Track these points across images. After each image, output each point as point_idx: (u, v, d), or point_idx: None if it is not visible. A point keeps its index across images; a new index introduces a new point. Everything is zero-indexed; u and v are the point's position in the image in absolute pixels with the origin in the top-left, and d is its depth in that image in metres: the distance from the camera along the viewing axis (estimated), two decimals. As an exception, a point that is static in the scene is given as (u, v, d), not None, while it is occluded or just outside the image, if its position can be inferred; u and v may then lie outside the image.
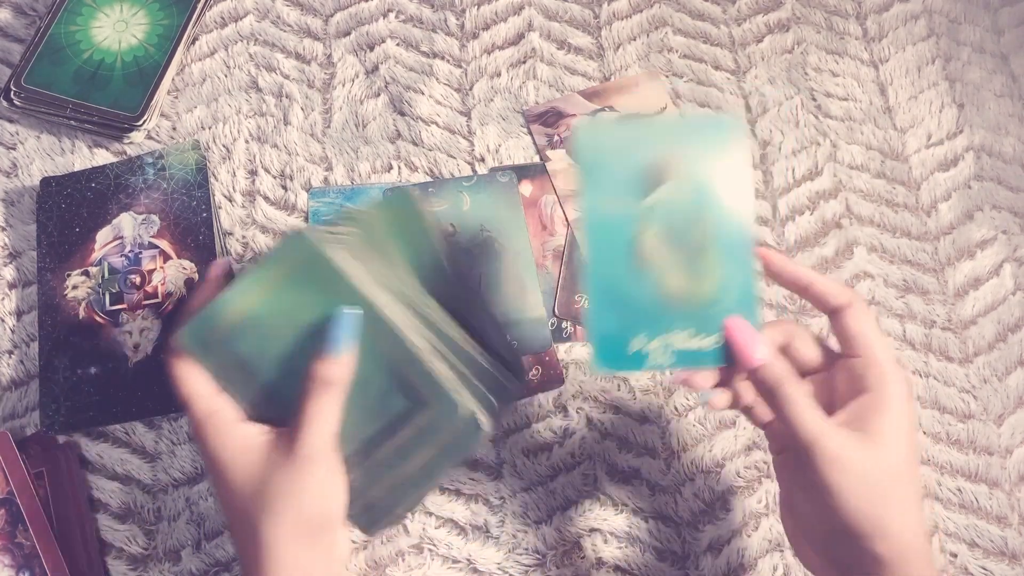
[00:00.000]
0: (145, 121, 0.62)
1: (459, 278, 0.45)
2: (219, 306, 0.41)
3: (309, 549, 0.39)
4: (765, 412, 0.43)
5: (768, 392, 0.40)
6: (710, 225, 0.44)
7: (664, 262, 0.44)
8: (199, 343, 0.42)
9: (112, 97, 0.62)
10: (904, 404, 0.40)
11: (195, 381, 0.42)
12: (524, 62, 0.67)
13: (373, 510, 0.43)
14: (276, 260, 0.40)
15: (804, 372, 0.43)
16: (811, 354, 0.43)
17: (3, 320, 0.58)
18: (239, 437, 0.40)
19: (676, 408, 0.57)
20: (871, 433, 0.39)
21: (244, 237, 0.61)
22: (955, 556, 0.53)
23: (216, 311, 0.41)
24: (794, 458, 0.40)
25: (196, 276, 0.57)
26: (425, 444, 0.41)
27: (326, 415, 0.39)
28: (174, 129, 0.64)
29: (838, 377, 0.42)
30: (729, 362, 0.43)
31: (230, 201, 0.62)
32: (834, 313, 0.42)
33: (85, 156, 0.63)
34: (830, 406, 0.42)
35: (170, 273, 0.58)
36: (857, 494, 0.38)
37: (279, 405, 0.41)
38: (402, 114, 0.65)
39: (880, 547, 0.38)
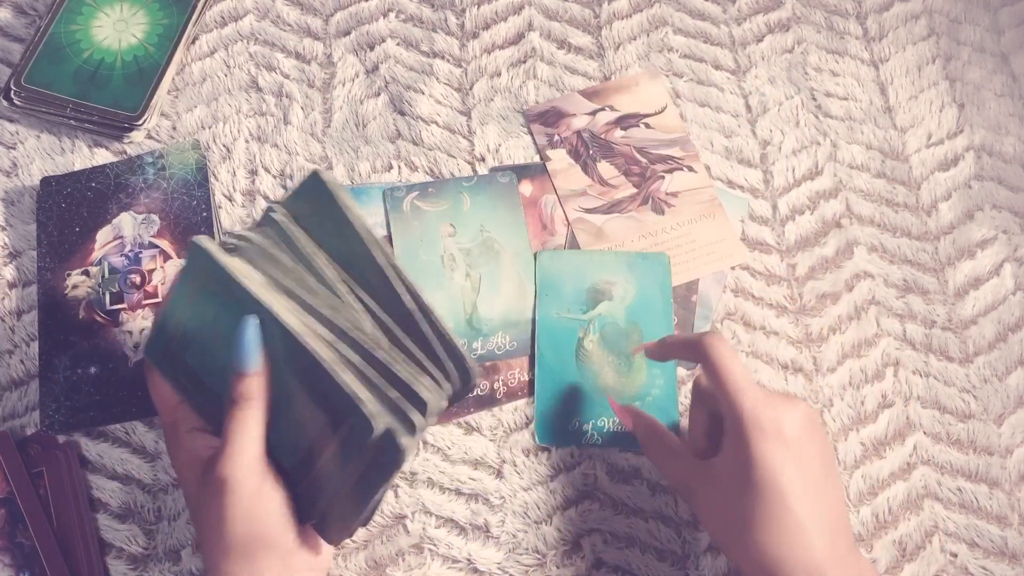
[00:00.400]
0: (145, 121, 0.62)
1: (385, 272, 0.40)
2: (162, 319, 0.41)
3: (249, 566, 0.38)
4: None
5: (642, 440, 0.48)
6: (637, 336, 0.57)
7: (601, 361, 0.56)
8: (157, 355, 0.42)
9: (112, 97, 0.62)
10: (744, 439, 0.41)
11: (160, 391, 0.42)
12: (524, 61, 0.67)
13: (327, 519, 0.41)
14: (187, 271, 0.39)
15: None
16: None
17: (3, 320, 0.58)
18: (187, 450, 0.40)
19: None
20: (718, 458, 0.43)
21: (244, 237, 0.61)
22: (955, 556, 0.53)
23: (162, 323, 0.41)
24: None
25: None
26: (351, 458, 0.38)
27: (246, 433, 0.38)
28: (174, 129, 0.64)
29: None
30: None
31: (230, 201, 0.62)
32: (703, 365, 0.45)
33: (85, 156, 0.63)
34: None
35: (170, 273, 0.58)
36: (712, 522, 0.43)
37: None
38: (402, 114, 0.65)
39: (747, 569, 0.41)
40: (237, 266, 0.38)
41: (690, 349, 0.46)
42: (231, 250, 0.39)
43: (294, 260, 0.39)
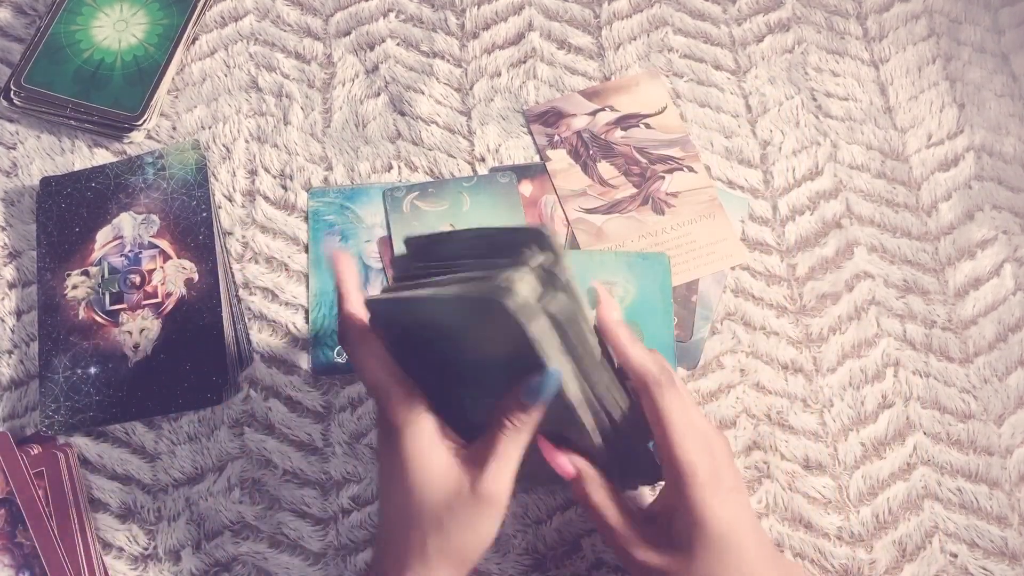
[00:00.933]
0: (145, 121, 0.62)
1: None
2: (410, 304, 0.39)
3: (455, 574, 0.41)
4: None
5: (583, 500, 0.45)
6: (638, 337, 0.52)
7: None
8: (385, 320, 0.40)
9: (112, 97, 0.62)
10: (697, 506, 0.40)
11: (387, 367, 0.41)
12: (524, 62, 0.67)
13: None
14: (464, 302, 0.37)
15: None
16: None
17: (3, 320, 0.58)
18: (436, 459, 0.40)
19: (676, 408, 0.57)
20: (671, 535, 0.42)
21: (244, 237, 0.61)
22: (955, 556, 0.53)
23: (407, 306, 0.39)
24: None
25: (196, 276, 0.57)
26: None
27: (513, 458, 0.40)
28: (174, 129, 0.64)
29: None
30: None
31: (230, 201, 0.62)
32: (641, 392, 0.43)
33: (85, 156, 0.63)
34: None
35: (170, 273, 0.58)
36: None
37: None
38: (402, 114, 0.65)
39: None
40: (541, 330, 0.37)
41: (634, 373, 0.43)
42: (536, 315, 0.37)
43: (582, 322, 0.40)
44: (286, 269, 0.60)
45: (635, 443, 0.44)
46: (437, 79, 0.66)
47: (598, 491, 0.44)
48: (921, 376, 0.58)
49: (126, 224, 0.59)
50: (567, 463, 0.44)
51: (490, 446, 0.40)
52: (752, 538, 0.41)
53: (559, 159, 0.63)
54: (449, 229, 0.40)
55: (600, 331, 0.42)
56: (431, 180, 0.62)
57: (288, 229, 0.61)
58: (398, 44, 0.67)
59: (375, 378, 0.41)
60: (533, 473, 0.42)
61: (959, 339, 0.59)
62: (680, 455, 0.41)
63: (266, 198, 0.62)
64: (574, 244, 0.60)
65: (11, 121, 0.64)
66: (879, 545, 0.53)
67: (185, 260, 0.58)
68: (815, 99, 0.66)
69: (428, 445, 0.40)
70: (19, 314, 0.58)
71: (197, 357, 0.55)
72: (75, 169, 0.62)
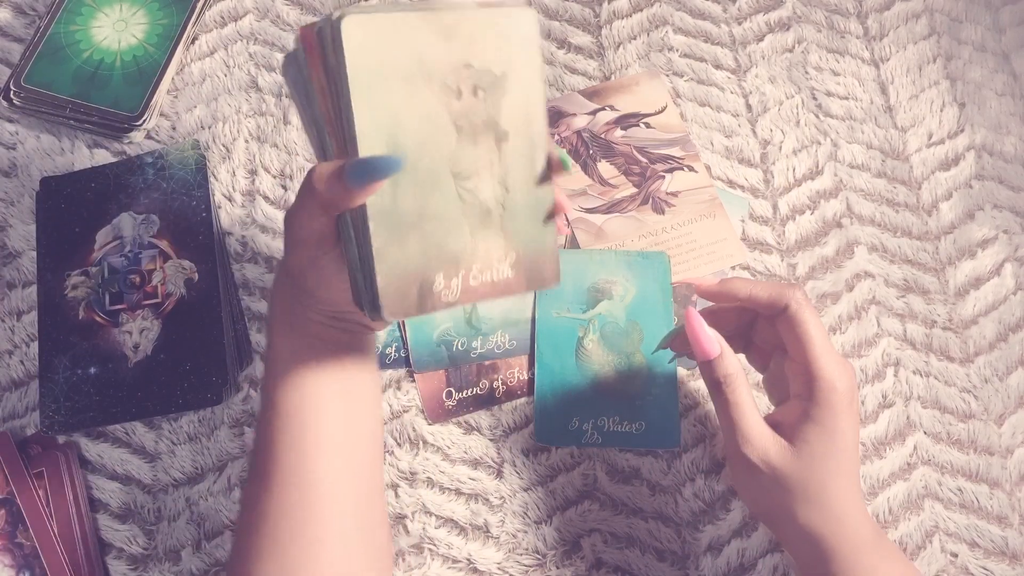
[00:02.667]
0: (145, 121, 0.62)
1: None
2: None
3: None
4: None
5: (714, 385, 0.43)
6: (637, 336, 0.56)
7: (601, 361, 0.56)
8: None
9: (112, 97, 0.62)
10: (835, 412, 0.42)
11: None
12: (524, 61, 0.66)
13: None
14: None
15: (758, 346, 0.47)
16: (767, 335, 0.47)
17: (3, 320, 0.58)
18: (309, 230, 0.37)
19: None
20: (799, 442, 0.42)
21: (244, 237, 0.61)
22: (955, 556, 0.53)
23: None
24: (727, 446, 0.44)
25: (195, 276, 0.57)
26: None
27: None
28: (174, 129, 0.64)
29: (783, 365, 0.45)
30: (650, 443, 0.54)
31: (230, 201, 0.62)
32: (775, 316, 0.44)
33: (85, 156, 0.63)
34: (771, 392, 0.47)
35: (170, 273, 0.58)
36: (781, 497, 0.42)
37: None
38: (402, 113, 0.64)
39: (805, 539, 0.42)
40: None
41: (768, 303, 0.44)
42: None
43: None
44: (286, 269, 0.60)
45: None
46: (437, 79, 0.66)
47: (738, 370, 0.43)
48: (921, 376, 0.58)
49: (126, 224, 0.59)
50: (714, 344, 0.43)
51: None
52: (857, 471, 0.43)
53: (559, 159, 0.63)
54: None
55: (715, 296, 0.44)
56: (431, 180, 0.62)
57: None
58: (398, 44, 0.67)
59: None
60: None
61: (960, 339, 0.59)
62: (823, 367, 0.42)
63: (266, 198, 0.62)
64: (574, 244, 0.60)
65: (11, 121, 0.64)
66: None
67: (185, 260, 0.58)
68: (815, 98, 0.66)
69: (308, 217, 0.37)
70: (19, 314, 0.59)
71: (197, 357, 0.55)
72: (75, 169, 0.62)
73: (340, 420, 0.41)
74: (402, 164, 0.32)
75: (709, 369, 0.43)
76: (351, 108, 0.32)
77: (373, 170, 0.31)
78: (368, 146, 0.32)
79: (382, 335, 0.57)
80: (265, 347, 0.43)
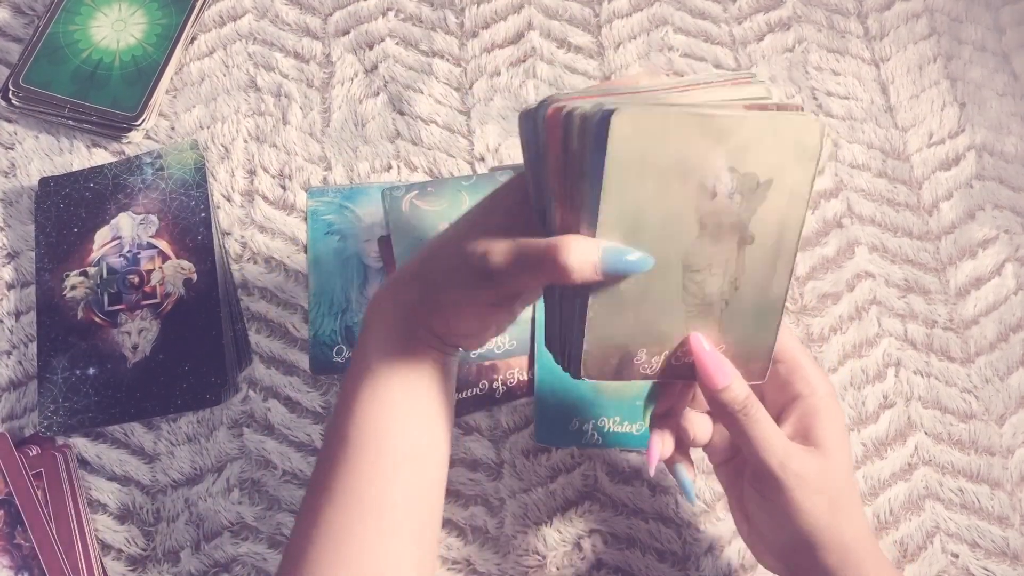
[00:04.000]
0: (143, 121, 0.62)
1: None
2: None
3: None
4: (701, 436, 0.43)
5: (729, 414, 0.39)
6: None
7: None
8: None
9: (110, 97, 0.62)
10: (835, 407, 0.41)
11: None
12: (524, 61, 0.66)
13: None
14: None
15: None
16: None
17: (1, 321, 0.58)
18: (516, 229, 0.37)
19: (676, 408, 0.56)
20: (819, 445, 0.40)
21: (243, 237, 0.60)
22: (956, 557, 0.53)
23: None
24: (751, 475, 0.41)
25: (194, 276, 0.57)
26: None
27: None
28: (172, 129, 0.64)
29: (766, 384, 0.42)
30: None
31: (229, 201, 0.61)
32: None
33: (83, 156, 0.62)
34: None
35: (168, 273, 0.58)
36: (817, 510, 0.39)
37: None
38: (401, 113, 0.64)
39: (833, 557, 0.40)
40: None
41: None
42: None
43: None
44: (285, 269, 0.60)
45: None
46: (436, 78, 0.66)
47: (749, 389, 0.39)
48: (922, 376, 0.58)
49: (124, 224, 0.59)
50: (725, 371, 0.38)
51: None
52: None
53: (559, 158, 0.62)
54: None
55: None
56: (430, 179, 0.62)
57: (287, 229, 0.61)
58: (397, 43, 0.67)
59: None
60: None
61: (960, 339, 0.59)
62: (812, 371, 0.41)
63: (265, 198, 0.62)
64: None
65: (9, 121, 0.64)
66: (881, 545, 0.53)
67: (184, 260, 0.58)
68: (816, 98, 0.66)
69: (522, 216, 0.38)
70: (18, 315, 0.58)
71: (196, 358, 0.55)
72: (73, 169, 0.62)
73: (417, 442, 0.40)
74: (650, 266, 0.33)
75: (723, 399, 0.39)
76: (599, 197, 0.32)
77: (626, 265, 0.33)
78: (606, 233, 0.33)
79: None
80: (355, 354, 0.41)
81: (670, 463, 0.43)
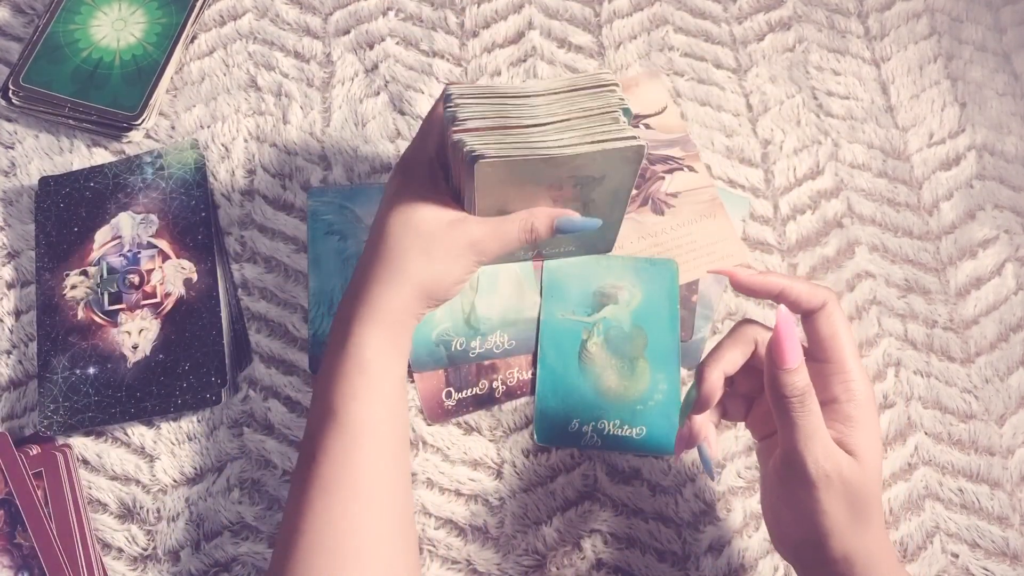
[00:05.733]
0: (144, 120, 0.62)
1: None
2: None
3: None
4: (738, 410, 0.45)
5: (786, 397, 0.39)
6: (641, 341, 0.57)
7: (604, 364, 0.56)
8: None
9: (110, 96, 0.62)
10: (872, 416, 0.41)
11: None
12: (524, 60, 0.66)
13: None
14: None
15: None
16: (749, 383, 0.46)
17: (1, 320, 0.58)
18: (445, 196, 0.46)
19: (676, 408, 0.56)
20: (853, 452, 0.40)
21: (243, 237, 0.60)
22: (956, 557, 0.53)
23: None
24: (782, 462, 0.40)
25: (194, 276, 0.57)
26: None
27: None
28: (173, 128, 0.64)
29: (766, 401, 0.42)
30: (650, 449, 0.54)
31: (229, 200, 0.61)
32: (807, 315, 0.42)
33: (83, 155, 0.62)
34: (755, 430, 0.45)
35: (169, 273, 0.58)
36: (840, 515, 0.39)
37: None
38: (402, 113, 0.64)
39: (844, 564, 0.40)
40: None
41: (806, 299, 0.41)
42: None
43: None
44: (285, 269, 0.60)
45: None
46: (437, 78, 0.66)
47: (809, 382, 0.40)
48: (922, 376, 0.58)
49: (125, 224, 0.59)
50: (799, 351, 0.39)
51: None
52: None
53: (559, 158, 0.62)
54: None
55: (752, 288, 0.43)
56: (431, 179, 0.62)
57: (287, 229, 0.61)
58: (397, 43, 0.67)
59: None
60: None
61: (960, 339, 0.59)
62: (857, 377, 0.41)
63: (265, 198, 0.62)
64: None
65: (9, 120, 0.64)
66: (880, 546, 0.53)
67: (184, 260, 0.58)
68: (816, 98, 0.66)
69: (442, 186, 0.46)
70: (18, 314, 0.58)
71: (196, 357, 0.55)
72: (74, 169, 0.62)
73: (396, 429, 0.45)
74: (598, 226, 0.47)
75: (786, 380, 0.39)
76: (474, 202, 0.44)
77: (573, 227, 0.46)
78: (482, 214, 0.45)
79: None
80: (333, 337, 0.45)
81: (693, 441, 0.44)
